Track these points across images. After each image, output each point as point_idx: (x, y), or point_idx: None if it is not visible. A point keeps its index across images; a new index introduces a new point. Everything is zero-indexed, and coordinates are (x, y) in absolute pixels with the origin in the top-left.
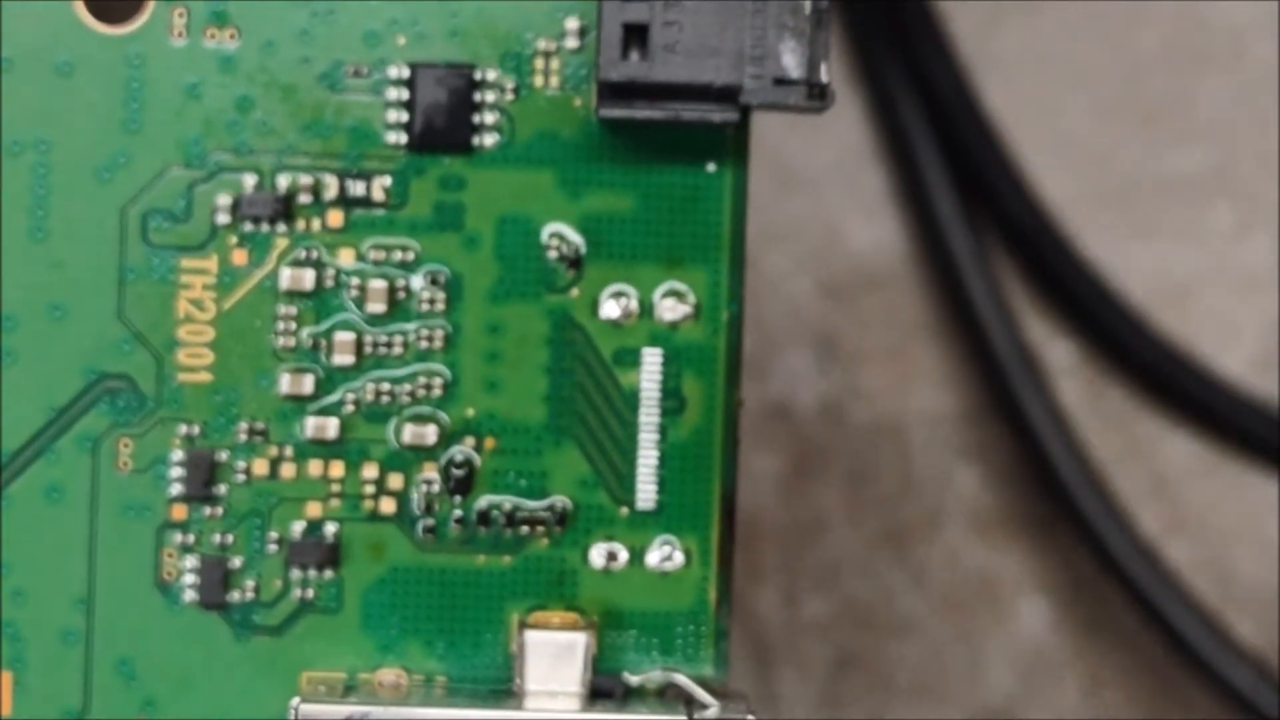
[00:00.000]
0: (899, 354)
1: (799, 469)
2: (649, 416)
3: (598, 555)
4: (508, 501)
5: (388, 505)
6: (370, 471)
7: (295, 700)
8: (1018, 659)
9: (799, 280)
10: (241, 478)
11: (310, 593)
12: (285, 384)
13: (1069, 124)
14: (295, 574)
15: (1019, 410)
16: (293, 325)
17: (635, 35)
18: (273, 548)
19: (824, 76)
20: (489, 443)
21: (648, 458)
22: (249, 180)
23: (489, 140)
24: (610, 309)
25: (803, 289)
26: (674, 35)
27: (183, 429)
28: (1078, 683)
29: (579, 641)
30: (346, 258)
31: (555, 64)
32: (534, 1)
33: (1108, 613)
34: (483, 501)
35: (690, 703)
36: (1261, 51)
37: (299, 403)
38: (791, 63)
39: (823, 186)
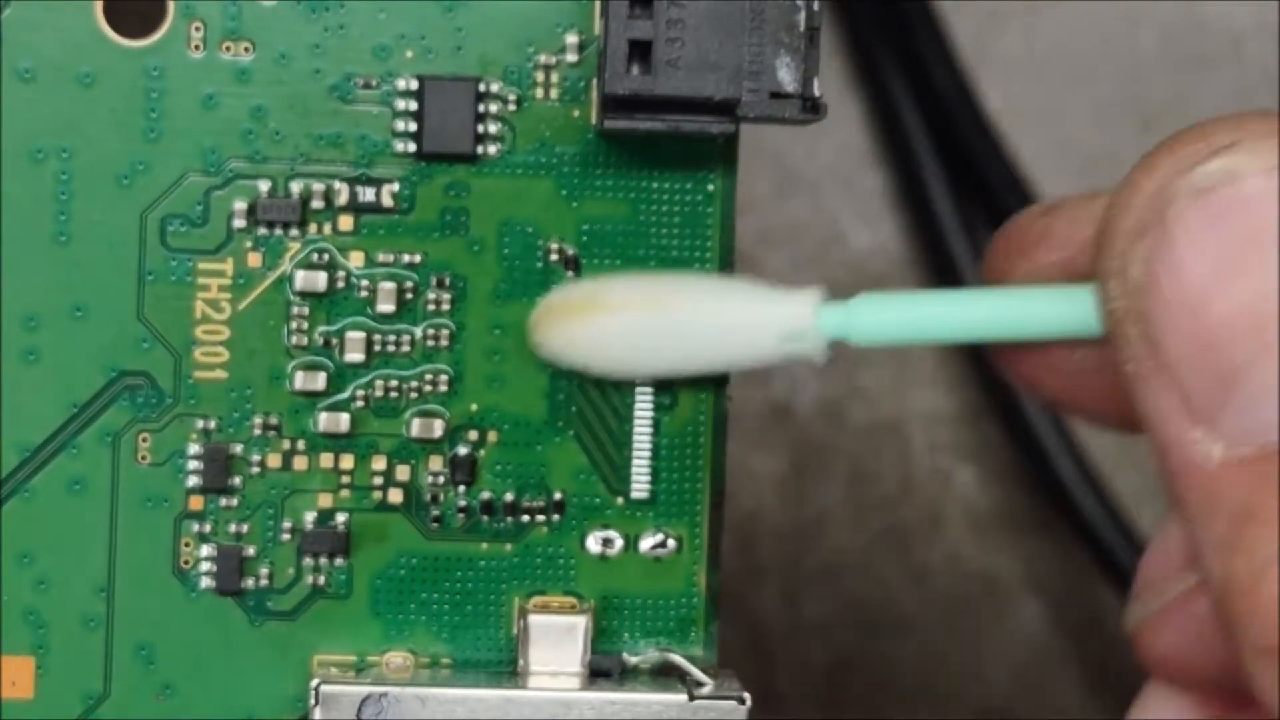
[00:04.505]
0: (899, 354)
1: (799, 469)
2: (643, 411)
3: (594, 542)
4: (509, 492)
5: (396, 496)
6: (379, 464)
7: (315, 680)
8: (1018, 659)
9: (799, 281)
10: (256, 470)
11: (322, 579)
12: (298, 380)
13: (1069, 125)
14: (307, 562)
15: (1018, 410)
16: (305, 325)
17: (638, 50)
18: (286, 537)
19: (816, 90)
20: (492, 436)
21: (642, 450)
22: (263, 186)
23: (492, 149)
24: None
25: None
26: (676, 51)
27: (199, 424)
28: (1078, 683)
29: (579, 624)
30: (357, 260)
31: (555, 77)
32: (535, 18)
33: (1107, 613)
34: (486, 492)
35: (685, 680)
36: (1261, 52)
37: (311, 398)
38: (787, 77)
39: (822, 188)
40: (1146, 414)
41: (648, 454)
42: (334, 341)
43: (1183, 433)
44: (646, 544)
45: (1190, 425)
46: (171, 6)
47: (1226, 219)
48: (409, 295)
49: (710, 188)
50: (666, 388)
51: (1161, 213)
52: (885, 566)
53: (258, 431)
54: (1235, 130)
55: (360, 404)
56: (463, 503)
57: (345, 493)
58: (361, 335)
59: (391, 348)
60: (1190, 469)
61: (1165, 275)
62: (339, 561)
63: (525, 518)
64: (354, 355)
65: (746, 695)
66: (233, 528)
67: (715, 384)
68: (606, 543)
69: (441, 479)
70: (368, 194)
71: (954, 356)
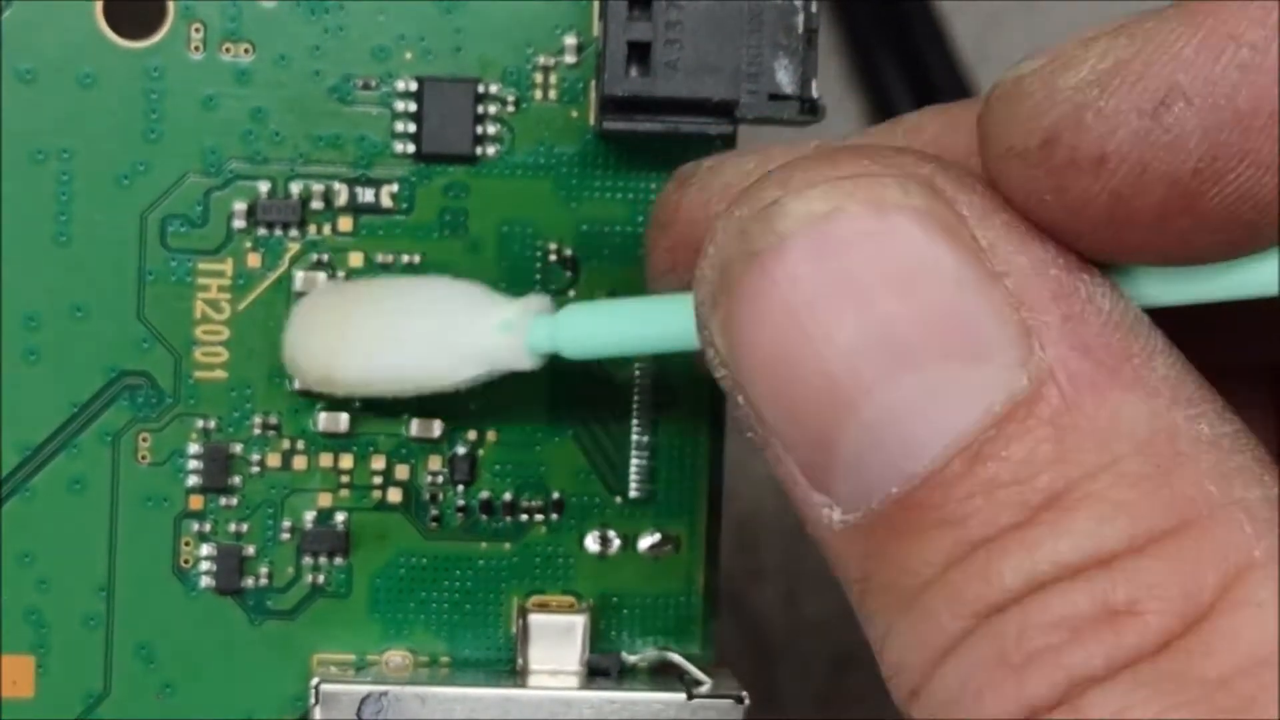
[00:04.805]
0: None
1: None
2: (641, 411)
3: (592, 542)
4: (508, 491)
5: (395, 495)
6: (378, 463)
7: (315, 679)
8: None
9: None
10: (256, 469)
11: (321, 579)
12: (298, 380)
13: None
14: (307, 561)
15: None
16: None
17: (637, 52)
18: (285, 536)
19: (814, 92)
20: (491, 435)
21: (640, 450)
22: (263, 187)
23: (491, 150)
24: None
25: None
26: (675, 53)
27: (199, 423)
28: None
29: (578, 623)
30: (356, 261)
31: (554, 78)
32: (534, 19)
33: None
34: (485, 491)
35: (683, 679)
36: None
37: (311, 398)
38: (785, 79)
39: None
40: (777, 478)
41: (646, 454)
42: None
43: (807, 497)
44: (645, 543)
45: (811, 490)
46: (171, 7)
47: (784, 284)
48: None
49: None
50: (665, 388)
51: (728, 282)
52: None
53: (257, 431)
54: (780, 185)
55: (359, 404)
56: (462, 502)
57: (345, 492)
58: None
59: None
60: (819, 533)
61: (741, 348)
62: (338, 561)
63: (524, 517)
64: None
65: (745, 694)
66: (232, 527)
67: (714, 384)
68: (605, 542)
69: (441, 478)
70: (367, 195)
71: None
